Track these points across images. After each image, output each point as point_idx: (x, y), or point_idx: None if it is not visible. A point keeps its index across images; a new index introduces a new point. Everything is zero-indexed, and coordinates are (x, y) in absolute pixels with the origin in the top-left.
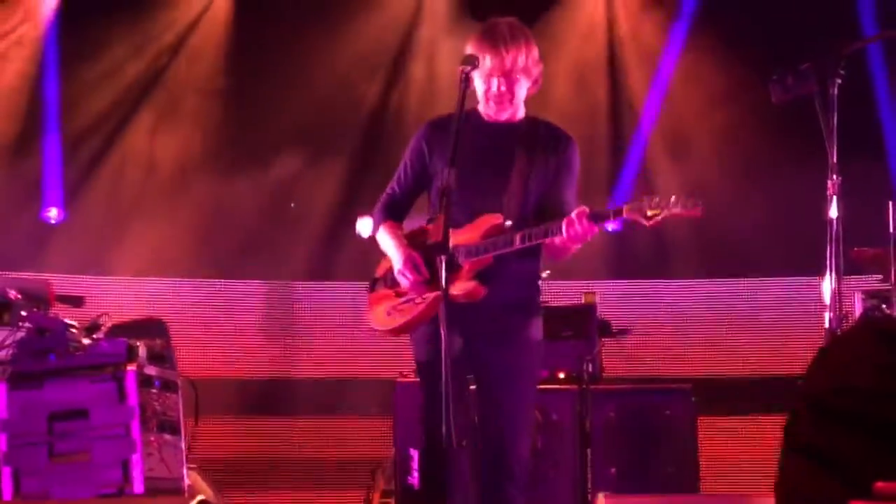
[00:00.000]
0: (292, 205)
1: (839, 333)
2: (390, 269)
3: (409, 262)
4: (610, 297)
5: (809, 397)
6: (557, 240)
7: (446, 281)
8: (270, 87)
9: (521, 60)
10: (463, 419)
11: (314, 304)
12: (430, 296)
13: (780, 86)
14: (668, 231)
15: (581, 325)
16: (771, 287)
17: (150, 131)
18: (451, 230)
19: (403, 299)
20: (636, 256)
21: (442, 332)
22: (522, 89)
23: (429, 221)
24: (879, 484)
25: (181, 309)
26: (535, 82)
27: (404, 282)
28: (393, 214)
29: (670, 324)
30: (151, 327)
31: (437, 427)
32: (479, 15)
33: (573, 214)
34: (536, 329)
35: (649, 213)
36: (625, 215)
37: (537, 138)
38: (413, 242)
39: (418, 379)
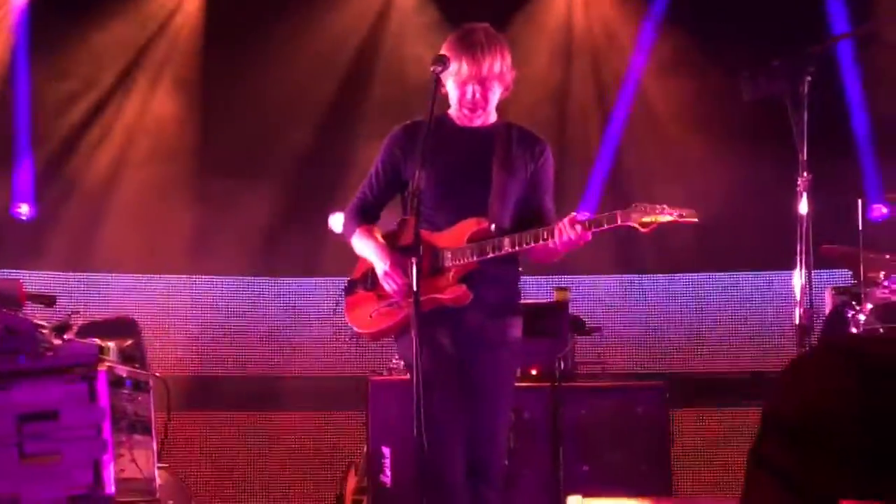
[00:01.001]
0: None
1: (802, 355)
2: (369, 272)
3: (396, 267)
4: (582, 292)
5: (775, 419)
6: (550, 244)
7: (422, 283)
8: (239, 87)
9: (496, 67)
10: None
11: (286, 300)
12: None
13: (752, 83)
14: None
15: (553, 322)
16: (742, 282)
17: (118, 128)
18: (432, 234)
19: (387, 303)
20: (608, 251)
21: (413, 335)
22: (496, 95)
23: (399, 224)
24: (844, 502)
25: (153, 305)
26: (506, 88)
27: (391, 286)
28: (366, 218)
29: (643, 320)
30: (122, 326)
31: (438, 451)
32: (449, 14)
33: (565, 221)
34: (516, 328)
35: (645, 219)
36: (619, 222)
37: (512, 143)
38: (389, 243)
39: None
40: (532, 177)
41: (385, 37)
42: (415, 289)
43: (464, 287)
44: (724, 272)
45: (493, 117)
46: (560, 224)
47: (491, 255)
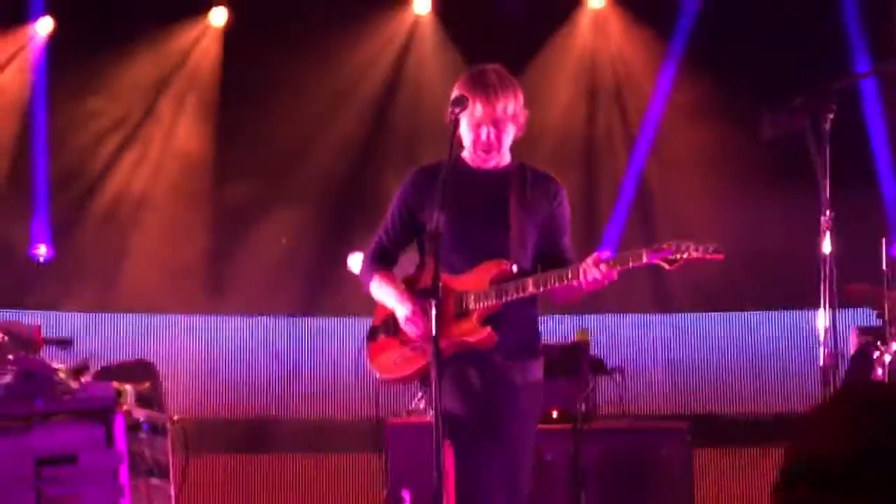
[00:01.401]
0: (283, 241)
1: (828, 397)
2: (389, 317)
3: (418, 311)
4: (603, 331)
5: (800, 461)
6: (574, 283)
7: (447, 327)
8: (259, 120)
9: (510, 108)
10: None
11: (306, 340)
12: (442, 343)
13: (773, 121)
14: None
15: (574, 363)
16: (766, 321)
17: (138, 168)
18: (453, 277)
19: (410, 347)
20: (630, 290)
21: (433, 378)
22: (509, 136)
23: (418, 267)
24: None
25: (171, 346)
26: (520, 128)
27: (413, 330)
28: (384, 263)
29: (665, 359)
30: (139, 369)
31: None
32: (467, 52)
33: (589, 260)
34: (539, 370)
35: (671, 257)
36: (645, 260)
37: (528, 185)
38: (409, 288)
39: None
40: (549, 217)
41: (404, 75)
42: (433, 333)
43: (488, 329)
44: (748, 311)
45: (506, 159)
46: (585, 263)
47: (515, 296)
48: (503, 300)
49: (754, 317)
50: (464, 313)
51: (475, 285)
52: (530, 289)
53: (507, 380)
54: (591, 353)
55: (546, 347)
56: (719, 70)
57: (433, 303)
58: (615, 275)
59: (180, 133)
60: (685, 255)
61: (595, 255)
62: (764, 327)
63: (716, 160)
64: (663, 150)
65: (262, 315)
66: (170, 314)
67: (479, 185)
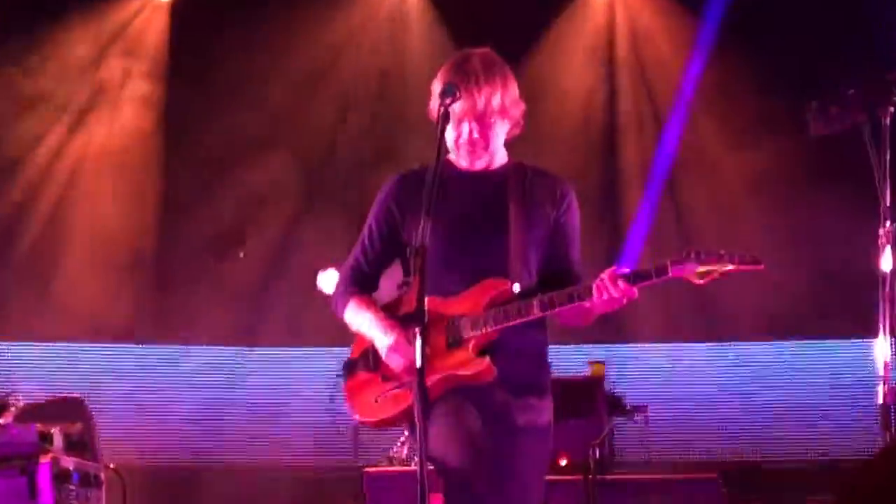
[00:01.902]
0: (241, 254)
1: (883, 452)
2: (370, 349)
3: (402, 340)
4: (621, 364)
5: None
6: (587, 304)
7: (437, 359)
8: (212, 111)
9: (495, 101)
10: None
11: (268, 373)
12: (435, 376)
13: (821, 116)
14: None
15: (587, 401)
16: (811, 352)
17: (70, 185)
18: (444, 300)
19: (393, 384)
20: (652, 315)
21: (417, 417)
22: (499, 134)
23: (401, 286)
24: None
25: (105, 381)
26: (515, 124)
27: (397, 363)
28: (361, 287)
29: (694, 397)
30: (69, 408)
31: None
32: (459, 31)
33: (606, 276)
34: (547, 411)
35: (700, 269)
36: (671, 274)
37: (528, 188)
38: (390, 313)
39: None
40: (555, 226)
41: (387, 58)
42: (418, 364)
43: (486, 360)
44: (789, 340)
45: (500, 158)
46: (600, 280)
47: (517, 320)
48: (503, 326)
49: (800, 346)
50: (457, 342)
51: (470, 309)
52: (535, 312)
53: (509, 421)
54: (608, 389)
55: (554, 383)
56: (758, 52)
57: (417, 330)
58: (636, 292)
59: (121, 147)
60: (719, 267)
61: (611, 269)
62: (812, 358)
63: (755, 158)
64: (694, 145)
65: (216, 344)
66: (106, 343)
67: (470, 191)
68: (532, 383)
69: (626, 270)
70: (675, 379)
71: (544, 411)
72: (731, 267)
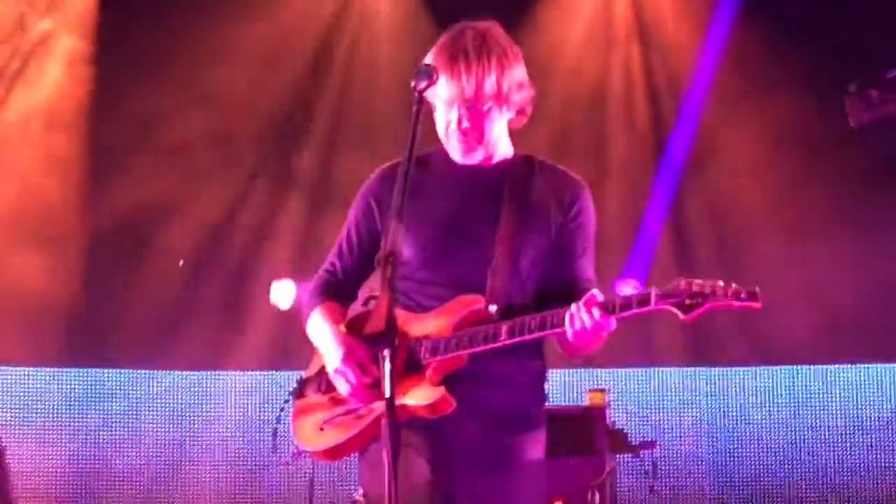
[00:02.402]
0: (181, 262)
1: None
2: (325, 369)
3: (349, 359)
4: (626, 392)
5: None
6: (566, 332)
7: (392, 384)
8: (150, 94)
9: (489, 85)
10: None
11: (193, 399)
12: (381, 405)
13: (861, 101)
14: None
15: (585, 436)
16: (850, 380)
17: None
18: (415, 316)
19: (342, 409)
20: (660, 336)
21: (385, 456)
22: (497, 123)
23: (368, 303)
24: None
25: (18, 410)
26: (520, 112)
27: (344, 386)
28: (331, 295)
29: (713, 430)
30: None
31: None
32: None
33: (581, 303)
34: (536, 447)
35: (688, 301)
36: (653, 305)
37: (533, 186)
38: (354, 331)
39: None
40: (561, 233)
41: (352, 35)
42: (387, 392)
43: (442, 391)
44: (823, 365)
45: (502, 151)
46: (573, 308)
47: (484, 347)
48: (467, 352)
49: (833, 372)
50: (414, 368)
51: (438, 330)
52: (503, 338)
53: (481, 458)
54: (610, 422)
55: (547, 414)
56: (785, 28)
57: (385, 353)
58: (612, 324)
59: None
60: (708, 302)
61: (589, 295)
62: (847, 385)
63: (782, 154)
64: (709, 140)
65: (151, 368)
66: (21, 366)
67: (459, 189)
68: (516, 415)
69: (602, 299)
70: (691, 410)
71: (532, 447)
72: (722, 303)
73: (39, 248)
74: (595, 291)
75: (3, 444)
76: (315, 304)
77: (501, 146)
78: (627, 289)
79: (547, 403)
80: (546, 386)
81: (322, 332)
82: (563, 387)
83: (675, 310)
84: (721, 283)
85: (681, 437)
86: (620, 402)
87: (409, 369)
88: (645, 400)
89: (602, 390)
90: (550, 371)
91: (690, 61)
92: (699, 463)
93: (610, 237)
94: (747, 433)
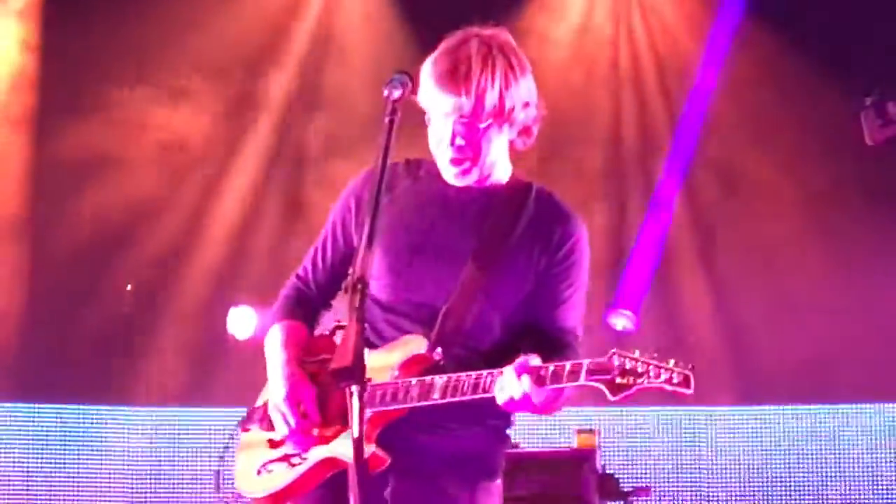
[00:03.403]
0: (129, 286)
1: None
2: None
3: (291, 399)
4: (618, 432)
5: None
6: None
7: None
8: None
9: (490, 100)
10: None
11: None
12: (316, 457)
13: (877, 115)
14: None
15: (572, 481)
16: (866, 419)
17: None
18: (370, 350)
19: (279, 454)
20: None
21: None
22: (495, 143)
23: (334, 332)
24: None
25: None
26: (523, 132)
27: (281, 427)
28: (298, 311)
29: (712, 475)
30: None
31: None
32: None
33: (513, 367)
34: (491, 498)
35: (618, 381)
36: (582, 380)
37: (521, 220)
38: (306, 362)
39: None
40: (544, 277)
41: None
42: (354, 433)
43: (371, 448)
44: (834, 403)
45: (499, 174)
46: (499, 372)
47: (410, 403)
48: (398, 405)
49: (850, 412)
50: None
51: (379, 371)
52: (435, 397)
53: None
54: (599, 465)
55: (532, 457)
56: (794, 36)
57: (355, 390)
58: (543, 396)
59: None
60: (637, 385)
61: (521, 359)
62: (862, 426)
63: (788, 177)
64: (713, 156)
65: (80, 403)
66: None
67: (439, 213)
68: (466, 461)
69: (536, 364)
70: (690, 452)
71: (487, 498)
72: (653, 385)
73: None
74: (529, 358)
75: None
76: (277, 319)
77: (498, 169)
78: (620, 320)
79: (512, 447)
80: (507, 430)
81: (272, 359)
82: (548, 427)
83: (604, 388)
84: (655, 362)
85: (677, 481)
86: (612, 443)
87: (344, 417)
88: (638, 441)
89: (592, 431)
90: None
91: (692, 73)
92: None
93: (598, 260)
94: (748, 475)
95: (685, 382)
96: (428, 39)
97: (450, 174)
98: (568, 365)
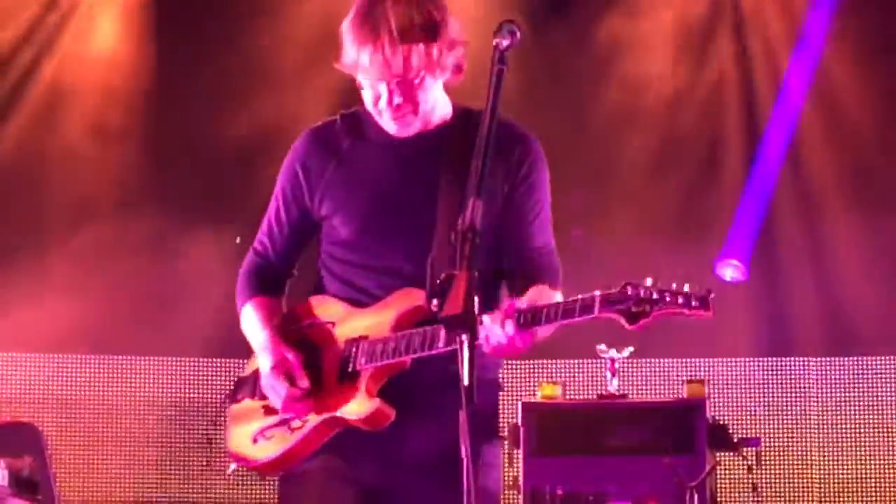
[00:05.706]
0: (237, 240)
1: None
2: (259, 371)
3: (278, 370)
4: (728, 383)
5: None
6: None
7: (322, 394)
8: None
9: (417, 56)
10: None
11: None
12: (317, 418)
13: None
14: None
15: (682, 432)
16: None
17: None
18: (358, 311)
19: (276, 419)
20: (765, 322)
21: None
22: (431, 91)
23: (444, 282)
24: None
25: (67, 398)
26: (456, 69)
27: (275, 398)
28: (265, 284)
29: (824, 425)
30: (16, 437)
31: None
32: None
33: (497, 313)
34: (491, 458)
35: (634, 309)
36: (597, 313)
37: (473, 145)
38: (290, 330)
39: None
40: (509, 197)
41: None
42: (465, 382)
43: (375, 403)
44: None
45: (440, 113)
46: (485, 320)
47: (420, 353)
48: (406, 358)
49: None
50: (349, 375)
51: (376, 328)
52: (441, 345)
53: (423, 477)
54: (710, 415)
55: (639, 408)
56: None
57: (462, 338)
58: (528, 338)
59: (88, 144)
60: (654, 311)
61: (507, 303)
62: None
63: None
64: (807, 146)
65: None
66: (61, 353)
67: (392, 164)
68: (476, 420)
69: (523, 306)
70: (801, 403)
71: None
72: (671, 310)
73: None
74: (513, 299)
75: (46, 441)
76: (248, 296)
77: (439, 109)
78: (728, 270)
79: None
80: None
81: (253, 335)
82: (657, 377)
83: (619, 318)
84: (673, 287)
85: (786, 431)
86: (720, 394)
87: (343, 377)
88: (747, 392)
89: (701, 381)
90: (643, 358)
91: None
92: (806, 458)
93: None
94: (858, 427)
95: (703, 305)
96: None
97: (393, 129)
98: (566, 304)
